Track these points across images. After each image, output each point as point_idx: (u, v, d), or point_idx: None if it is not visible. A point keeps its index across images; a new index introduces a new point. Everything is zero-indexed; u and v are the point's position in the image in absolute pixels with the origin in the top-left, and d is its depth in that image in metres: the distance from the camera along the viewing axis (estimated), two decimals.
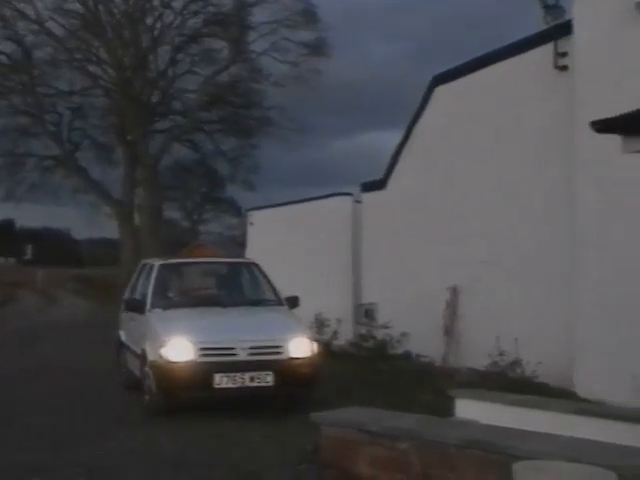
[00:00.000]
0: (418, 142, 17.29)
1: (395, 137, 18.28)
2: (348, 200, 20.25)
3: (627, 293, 10.57)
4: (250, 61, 41.83)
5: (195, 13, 41.31)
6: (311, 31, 39.87)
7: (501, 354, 12.92)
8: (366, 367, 15.09)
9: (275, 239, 22.23)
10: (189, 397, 11.20)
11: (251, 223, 25.11)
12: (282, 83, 40.07)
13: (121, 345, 14.28)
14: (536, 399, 8.97)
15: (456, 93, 15.89)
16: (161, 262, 13.78)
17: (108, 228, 44.97)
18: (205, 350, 11.17)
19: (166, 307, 12.51)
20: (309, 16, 39.58)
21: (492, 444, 7.29)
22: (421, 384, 12.85)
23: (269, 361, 11.25)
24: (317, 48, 40.09)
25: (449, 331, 15.54)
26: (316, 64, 39.93)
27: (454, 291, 15.54)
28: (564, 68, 12.67)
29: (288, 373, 11.22)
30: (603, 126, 6.77)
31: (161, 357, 11.22)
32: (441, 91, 16.45)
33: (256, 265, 13.89)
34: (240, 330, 11.66)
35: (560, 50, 12.73)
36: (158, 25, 41.13)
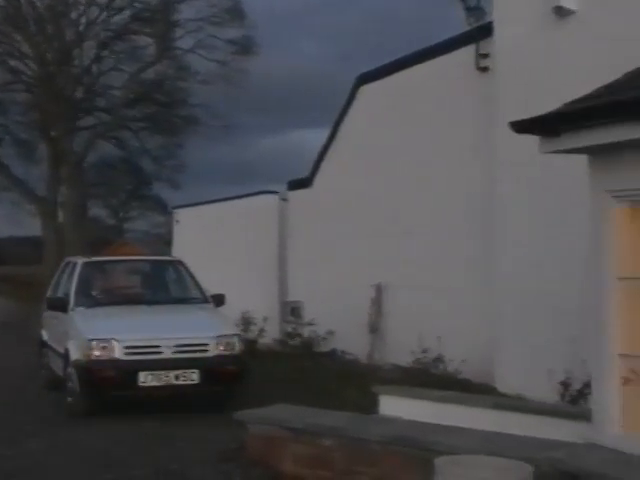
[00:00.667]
0: (344, 141, 17.41)
1: (323, 136, 18.40)
2: (274, 198, 20.29)
3: (544, 290, 10.81)
4: (176, 58, 41.47)
5: (121, 9, 40.78)
6: (238, 29, 39.72)
7: (424, 351, 13.11)
8: (292, 365, 15.15)
9: (201, 237, 22.15)
10: (114, 396, 11.11)
11: (177, 221, 24.97)
12: (209, 81, 39.85)
13: (43, 344, 14.07)
14: (457, 395, 9.12)
15: (380, 92, 16.05)
16: (85, 260, 13.63)
17: (31, 226, 44.13)
18: (130, 348, 11.10)
19: (90, 305, 12.39)
20: (236, 13, 39.40)
21: (415, 440, 7.42)
22: (346, 381, 12.95)
23: (194, 359, 11.23)
24: (244, 46, 39.93)
25: (374, 328, 15.69)
26: (243, 62, 39.80)
27: (379, 288, 15.69)
28: (485, 69, 12.90)
29: (214, 371, 11.21)
30: (521, 127, 6.91)
31: (84, 356, 11.11)
32: (366, 90, 16.60)
33: (181, 263, 13.84)
34: (165, 328, 11.62)
35: (482, 51, 12.96)
36: (83, 20, 40.46)
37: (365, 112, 16.55)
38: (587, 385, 7.97)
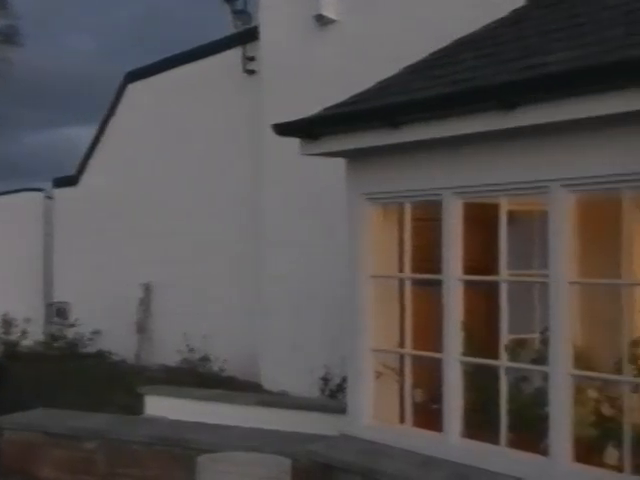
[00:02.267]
0: (111, 139, 17.12)
1: (92, 133, 17.96)
2: (39, 196, 19.60)
3: (308, 290, 11.12)
4: None
5: None
6: (1, 18, 37.98)
7: (191, 350, 13.14)
8: (56, 367, 14.69)
9: None
10: None
11: None
12: None
13: None
14: (222, 393, 9.25)
15: (149, 91, 15.92)
16: None
17: None
18: None
19: None
20: None
21: (178, 439, 7.46)
22: (113, 383, 12.74)
23: None
24: (8, 36, 38.25)
25: (141, 328, 15.55)
26: (7, 52, 38.09)
27: (147, 288, 15.57)
28: (252, 72, 13.09)
29: None
30: (283, 129, 7.10)
31: None
32: (134, 88, 16.40)
33: None
34: None
35: (248, 54, 13.15)
36: None
37: (133, 110, 16.34)
38: (345, 380, 8.29)
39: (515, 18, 6.59)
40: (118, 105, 16.91)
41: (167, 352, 13.90)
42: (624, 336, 5.17)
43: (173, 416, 8.44)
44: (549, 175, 5.35)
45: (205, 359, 12.97)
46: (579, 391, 5.51)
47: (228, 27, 14.00)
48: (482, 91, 5.45)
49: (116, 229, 16.38)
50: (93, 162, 17.77)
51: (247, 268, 12.79)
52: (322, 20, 11.08)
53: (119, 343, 15.55)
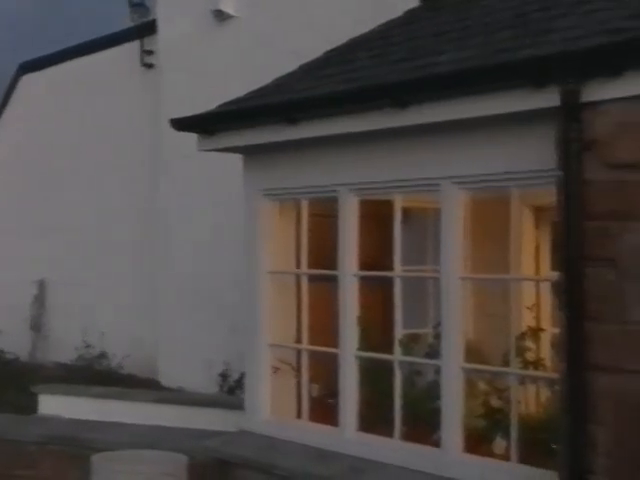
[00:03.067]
0: (6, 132, 16.69)
1: None
2: None
3: (207, 286, 11.08)
4: None
5: None
6: None
7: (88, 347, 12.94)
8: None
9: None
10: None
11: None
12: None
13: None
14: (119, 390, 9.16)
15: (44, 83, 15.58)
16: None
17: None
18: None
19: None
20: None
21: (72, 438, 7.37)
22: (5, 382, 12.44)
23: None
24: None
25: (36, 326, 15.25)
26: None
27: (41, 285, 15.28)
28: (150, 66, 12.94)
29: None
30: (181, 125, 7.08)
31: None
32: (28, 80, 16.04)
33: None
34: None
35: (146, 48, 12.99)
36: None
37: (28, 102, 15.97)
38: (244, 376, 8.30)
39: (408, 19, 6.71)
40: (11, 97, 16.51)
41: (64, 350, 13.65)
42: (512, 330, 5.33)
43: (68, 415, 8.32)
44: (440, 173, 5.47)
45: (103, 356, 12.79)
46: (470, 384, 5.67)
47: (125, 20, 13.80)
48: (375, 90, 5.55)
49: (10, 225, 16.00)
50: None
51: (147, 265, 12.67)
52: (221, 15, 11.02)
53: (12, 341, 15.16)
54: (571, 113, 4.54)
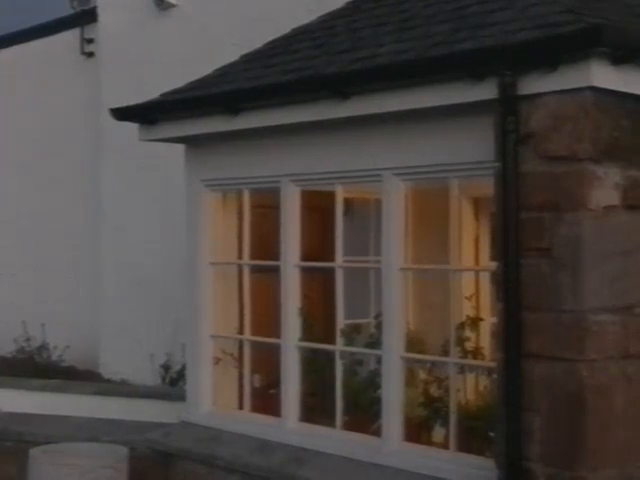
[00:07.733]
0: None
1: None
2: None
3: (146, 276, 10.99)
4: None
5: None
6: None
7: (28, 339, 12.75)
8: None
9: None
10: None
11: None
12: None
13: None
14: (59, 383, 9.04)
15: None
16: None
17: None
18: None
19: None
20: None
21: (9, 432, 7.28)
22: None
23: None
24: None
25: None
26: None
27: None
28: (91, 55, 12.77)
29: None
30: (121, 114, 7.02)
31: None
32: None
33: None
34: None
35: (87, 36, 12.80)
36: None
37: None
38: (186, 367, 8.27)
39: (349, 10, 6.73)
40: None
41: (2, 342, 13.43)
42: (452, 320, 5.39)
43: (6, 408, 8.18)
44: (382, 164, 5.50)
45: (43, 348, 12.61)
46: (410, 373, 5.73)
47: (65, 7, 13.58)
48: (316, 80, 5.56)
49: None
50: None
51: (88, 255, 12.52)
52: (162, 4, 10.91)
53: None
54: (508, 106, 4.60)
